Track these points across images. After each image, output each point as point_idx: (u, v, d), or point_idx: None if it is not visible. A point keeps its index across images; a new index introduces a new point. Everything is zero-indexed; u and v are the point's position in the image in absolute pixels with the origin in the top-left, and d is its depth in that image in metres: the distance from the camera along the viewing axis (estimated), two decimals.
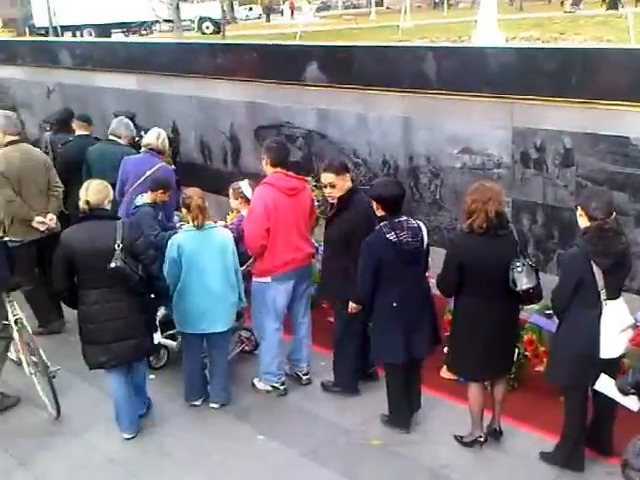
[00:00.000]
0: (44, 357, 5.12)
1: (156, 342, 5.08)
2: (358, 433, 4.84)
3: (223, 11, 36.17)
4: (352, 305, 4.87)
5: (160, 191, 5.71)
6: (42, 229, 6.20)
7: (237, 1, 52.18)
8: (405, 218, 4.56)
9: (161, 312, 5.50)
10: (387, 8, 50.86)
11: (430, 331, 4.70)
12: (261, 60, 8.41)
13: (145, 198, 5.76)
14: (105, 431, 5.01)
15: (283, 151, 5.33)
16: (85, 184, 4.76)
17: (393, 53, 7.34)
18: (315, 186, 6.73)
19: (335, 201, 5.06)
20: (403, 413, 4.86)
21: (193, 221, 4.96)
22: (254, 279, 5.31)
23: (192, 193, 5.02)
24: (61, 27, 33.04)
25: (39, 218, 6.18)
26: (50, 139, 8.13)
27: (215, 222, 5.48)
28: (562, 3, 35.28)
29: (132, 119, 8.18)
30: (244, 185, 5.79)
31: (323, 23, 39.93)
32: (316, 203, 6.59)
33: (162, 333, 5.60)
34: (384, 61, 7.12)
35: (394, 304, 4.56)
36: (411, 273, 4.59)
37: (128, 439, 4.89)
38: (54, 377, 5.08)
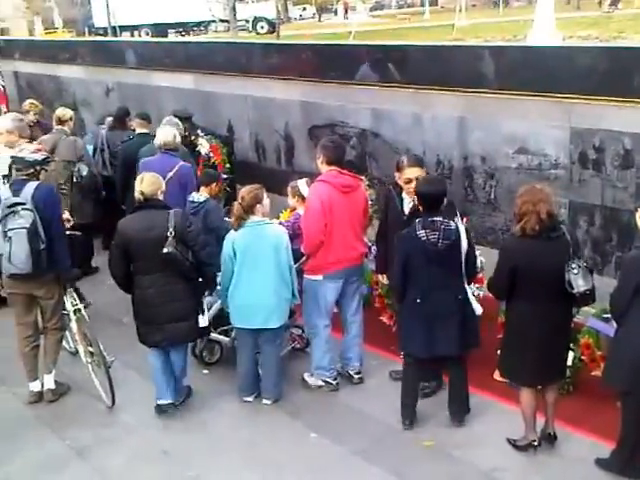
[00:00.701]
0: (101, 347, 5.26)
1: (202, 325, 5.19)
2: (410, 433, 4.83)
3: (277, 11, 36.42)
4: None
5: (213, 184, 6.02)
6: (68, 225, 6.28)
7: (291, 1, 52.43)
8: (440, 219, 4.53)
9: (215, 307, 5.58)
10: (441, 7, 50.48)
11: (459, 332, 4.65)
12: (316, 59, 8.45)
13: (202, 193, 5.95)
14: (159, 424, 5.11)
15: (339, 150, 5.39)
16: (140, 177, 5.05)
17: (449, 52, 7.31)
18: (369, 185, 6.74)
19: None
20: (406, 406, 4.89)
21: (236, 220, 5.03)
22: (305, 276, 5.36)
23: (245, 191, 5.09)
24: (119, 27, 33.76)
25: (65, 215, 6.20)
26: (106, 136, 8.35)
27: None
28: (600, 3, 34.48)
29: (189, 119, 8.33)
30: (301, 184, 5.87)
31: (377, 23, 39.88)
32: (369, 202, 6.63)
33: (215, 329, 5.68)
34: (440, 60, 7.08)
35: (417, 300, 4.62)
36: (438, 273, 4.58)
37: (160, 405, 5.17)
38: (110, 367, 5.23)
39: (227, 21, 30.22)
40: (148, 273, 4.89)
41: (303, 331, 5.83)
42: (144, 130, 7.60)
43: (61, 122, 7.88)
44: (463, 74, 6.66)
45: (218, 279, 5.30)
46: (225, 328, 5.68)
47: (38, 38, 30.45)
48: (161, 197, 5.03)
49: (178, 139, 6.75)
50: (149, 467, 4.66)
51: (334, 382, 5.43)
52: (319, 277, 5.25)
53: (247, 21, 37.60)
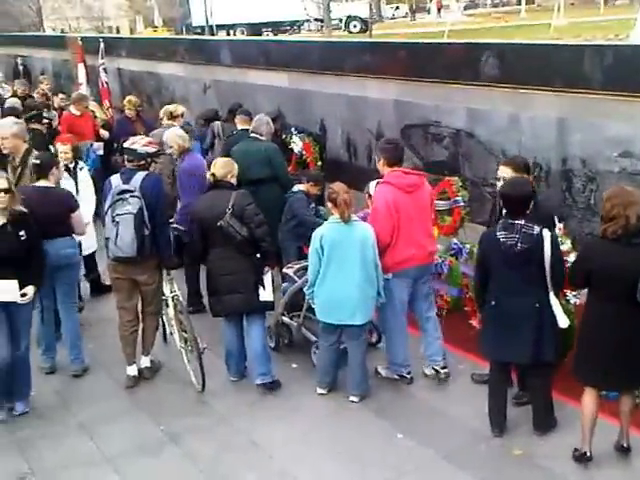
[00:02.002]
0: (195, 333, 5.43)
1: (262, 299, 5.38)
2: (500, 441, 4.73)
3: (371, 10, 36.37)
4: None
5: (311, 184, 6.41)
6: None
7: (384, 0, 52.25)
8: (522, 222, 4.42)
9: (289, 293, 5.84)
10: (538, 6, 49.16)
11: (531, 341, 4.50)
12: (410, 58, 8.40)
13: (300, 186, 6.44)
14: (248, 415, 5.21)
15: (398, 151, 5.44)
16: (214, 161, 5.59)
17: (548, 51, 7.10)
18: (462, 186, 6.65)
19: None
20: (494, 412, 4.78)
21: (340, 216, 5.08)
22: None
23: (338, 188, 5.15)
24: (216, 26, 34.57)
25: None
26: (222, 126, 8.75)
27: None
28: None
29: (276, 119, 8.44)
30: (372, 185, 5.89)
31: (471, 21, 39.22)
32: (461, 204, 6.55)
33: (288, 313, 5.97)
34: (538, 59, 6.90)
35: (492, 302, 4.56)
36: (515, 277, 4.47)
37: (234, 381, 5.58)
38: (202, 353, 5.40)
39: (321, 20, 30.45)
40: (214, 247, 5.34)
41: (374, 327, 5.87)
42: (246, 126, 7.74)
43: (172, 117, 8.22)
44: (564, 74, 6.47)
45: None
46: (297, 314, 5.89)
47: (139, 36, 31.56)
48: (232, 180, 5.46)
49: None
50: (237, 456, 4.75)
51: (409, 376, 5.47)
52: (388, 275, 5.28)
53: (340, 20, 37.74)
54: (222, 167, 5.44)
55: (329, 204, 5.19)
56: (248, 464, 4.67)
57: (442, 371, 5.47)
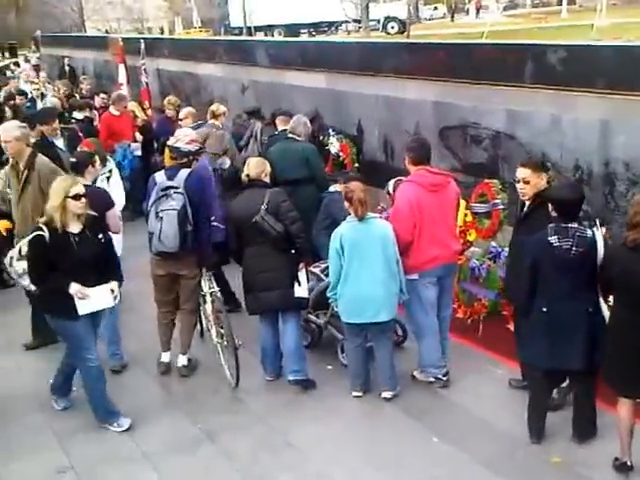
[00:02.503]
0: (232, 330, 5.50)
1: (298, 295, 5.44)
2: (538, 448, 4.66)
3: (409, 11, 36.23)
4: None
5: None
6: None
7: (422, 1, 52.02)
8: (576, 226, 4.34)
9: (315, 291, 5.83)
10: (580, 6, 48.38)
11: (585, 347, 4.41)
12: (449, 59, 8.32)
13: (336, 186, 6.37)
14: (284, 415, 5.22)
15: (423, 150, 5.43)
16: (248, 160, 5.68)
17: (590, 52, 6.97)
18: (501, 189, 6.57)
19: (527, 199, 4.93)
20: (533, 420, 4.70)
21: (355, 213, 5.13)
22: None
23: (354, 187, 5.20)
24: (254, 27, 34.76)
25: None
26: (262, 129, 8.90)
27: None
28: None
29: (312, 120, 8.47)
30: (391, 183, 6.12)
31: (510, 22, 38.80)
32: (500, 207, 6.48)
33: (314, 310, 5.99)
34: (581, 61, 6.78)
35: (543, 309, 4.46)
36: (568, 282, 4.39)
37: (269, 380, 5.62)
38: (237, 349, 5.46)
39: (359, 21, 30.44)
40: (249, 245, 5.41)
41: (401, 326, 5.90)
42: (286, 127, 7.79)
43: (215, 116, 8.29)
44: (608, 75, 6.34)
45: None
46: (323, 311, 5.93)
47: (179, 37, 31.89)
48: (266, 179, 5.52)
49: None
50: (273, 456, 4.76)
51: (444, 378, 5.43)
52: (415, 276, 5.28)
53: (378, 21, 37.66)
54: (256, 167, 5.52)
55: (346, 203, 5.22)
56: (283, 464, 4.68)
57: (443, 375, 5.46)
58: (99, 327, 5.17)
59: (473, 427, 4.96)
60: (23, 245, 4.98)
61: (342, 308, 5.26)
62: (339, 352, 5.81)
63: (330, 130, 9.07)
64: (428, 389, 5.45)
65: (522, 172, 4.93)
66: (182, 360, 5.84)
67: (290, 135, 7.36)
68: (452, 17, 48.78)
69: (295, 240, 5.37)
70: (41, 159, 6.17)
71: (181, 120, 8.76)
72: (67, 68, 19.07)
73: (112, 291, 4.90)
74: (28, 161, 6.06)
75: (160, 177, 5.60)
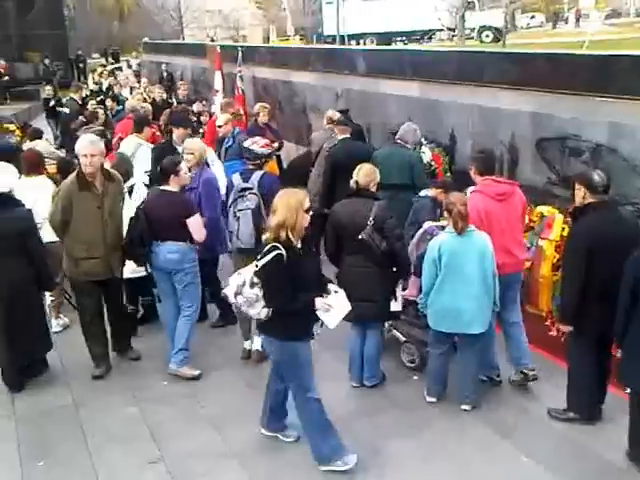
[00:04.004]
0: None
1: (392, 309, 5.56)
2: (631, 475, 4.48)
3: (505, 19, 35.59)
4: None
5: (440, 190, 6.32)
6: None
7: (519, 9, 51.00)
8: None
9: None
10: None
11: None
12: (548, 69, 8.13)
13: (428, 192, 6.45)
14: (369, 424, 5.20)
15: (489, 161, 5.66)
16: (359, 167, 5.57)
17: None
18: None
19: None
20: (636, 447, 4.53)
21: (453, 227, 5.11)
22: None
23: (456, 199, 5.17)
24: (347, 35, 34.96)
25: None
26: (316, 138, 9.00)
27: None
28: None
29: (343, 113, 8.79)
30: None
31: (613, 31, 37.47)
32: None
33: None
34: None
35: None
36: None
37: (355, 387, 5.66)
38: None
39: (453, 29, 30.16)
40: (349, 254, 5.45)
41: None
42: (346, 135, 7.98)
43: (332, 122, 8.48)
44: None
45: None
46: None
47: (275, 45, 32.47)
48: (373, 189, 5.53)
49: None
50: (358, 465, 4.69)
51: (498, 379, 5.62)
52: None
53: (472, 30, 37.17)
54: (365, 175, 5.50)
55: (445, 214, 5.24)
56: (368, 474, 4.66)
57: (530, 373, 5.49)
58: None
59: (564, 449, 4.84)
60: (248, 271, 4.52)
61: (432, 316, 5.27)
62: (401, 353, 5.99)
63: (422, 139, 9.02)
64: (517, 404, 5.37)
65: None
66: (257, 344, 6.03)
67: (398, 141, 7.43)
68: (554, 25, 47.58)
69: (397, 258, 5.41)
70: (111, 170, 6.00)
71: (220, 127, 8.93)
72: (165, 74, 19.76)
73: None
74: (106, 175, 5.80)
75: (237, 179, 5.96)
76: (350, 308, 4.68)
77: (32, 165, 6.95)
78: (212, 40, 32.66)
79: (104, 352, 6.08)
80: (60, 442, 5.14)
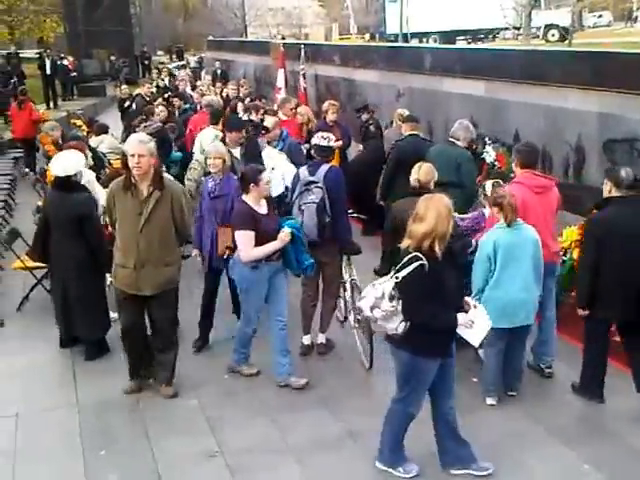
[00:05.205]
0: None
1: None
2: None
3: (572, 18, 34.76)
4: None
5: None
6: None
7: (586, 8, 49.77)
8: None
9: None
10: None
11: None
12: (618, 69, 7.91)
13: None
14: (427, 423, 5.08)
15: (532, 155, 5.83)
16: (418, 165, 5.70)
17: None
18: None
19: None
20: None
21: (505, 219, 5.15)
22: None
23: (505, 192, 5.26)
24: (410, 34, 34.74)
25: None
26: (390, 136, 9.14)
27: None
28: None
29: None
30: (488, 184, 6.21)
31: None
32: None
33: None
34: None
35: None
36: None
37: None
38: (372, 335, 5.66)
39: (518, 28, 29.64)
40: None
41: None
42: (414, 132, 7.98)
43: (404, 119, 8.57)
44: None
45: None
46: None
47: (337, 43, 32.51)
48: (431, 186, 5.54)
49: None
50: (416, 463, 4.65)
51: (547, 370, 5.70)
52: None
53: (538, 29, 36.42)
54: (426, 174, 5.62)
55: (495, 208, 5.23)
56: (425, 473, 4.61)
57: (547, 371, 5.68)
58: None
59: (627, 456, 4.69)
60: (387, 283, 4.21)
61: (491, 313, 5.14)
62: None
63: (486, 139, 8.89)
64: (578, 410, 5.28)
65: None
66: (321, 338, 6.24)
67: (450, 139, 7.37)
68: (629, 22, 46.20)
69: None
70: (166, 176, 5.65)
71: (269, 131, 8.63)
72: (218, 72, 19.95)
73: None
74: (156, 179, 5.27)
75: (303, 172, 6.04)
76: (491, 324, 4.42)
77: None
78: (283, 38, 32.84)
79: (137, 369, 5.69)
80: (121, 432, 5.24)
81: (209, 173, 6.37)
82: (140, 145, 5.20)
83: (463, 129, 7.34)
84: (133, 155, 5.14)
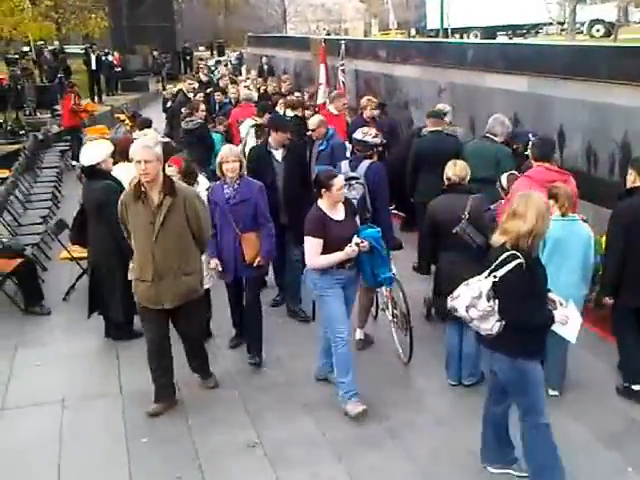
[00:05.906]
0: (405, 311, 5.89)
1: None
2: None
3: (618, 13, 34.06)
4: None
5: None
6: None
7: (632, 2, 48.71)
8: None
9: None
10: None
11: None
12: None
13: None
14: (466, 421, 5.08)
15: (546, 147, 5.86)
16: (452, 162, 5.65)
17: None
18: None
19: None
20: None
21: (560, 208, 5.13)
22: None
23: (560, 184, 5.28)
24: (451, 29, 34.47)
25: None
26: (413, 132, 9.26)
27: None
28: None
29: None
30: (504, 177, 6.25)
31: None
32: None
33: None
34: None
35: None
36: None
37: (452, 385, 5.62)
38: (409, 329, 5.82)
39: (562, 23, 29.18)
40: (446, 250, 5.43)
41: None
42: (436, 127, 7.89)
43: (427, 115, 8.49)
44: None
45: None
46: None
47: (377, 39, 32.41)
48: (464, 183, 5.56)
49: None
50: (452, 464, 4.67)
51: None
52: None
53: (582, 24, 35.79)
54: (461, 171, 5.57)
55: (551, 201, 5.08)
56: (462, 471, 4.60)
57: None
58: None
59: None
60: (484, 282, 4.06)
61: None
62: None
63: (530, 135, 8.78)
64: (621, 413, 5.18)
65: None
66: (359, 334, 6.25)
67: (487, 134, 7.28)
68: None
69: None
70: (178, 182, 5.29)
71: (313, 131, 8.10)
72: (265, 67, 20.01)
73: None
74: (167, 186, 5.01)
75: (345, 167, 6.07)
76: (582, 319, 4.36)
77: (120, 152, 6.79)
78: (328, 33, 32.93)
79: (163, 386, 5.45)
80: (163, 420, 5.33)
81: (217, 178, 5.98)
82: (145, 150, 4.92)
83: (499, 124, 7.30)
84: (139, 161, 4.85)
